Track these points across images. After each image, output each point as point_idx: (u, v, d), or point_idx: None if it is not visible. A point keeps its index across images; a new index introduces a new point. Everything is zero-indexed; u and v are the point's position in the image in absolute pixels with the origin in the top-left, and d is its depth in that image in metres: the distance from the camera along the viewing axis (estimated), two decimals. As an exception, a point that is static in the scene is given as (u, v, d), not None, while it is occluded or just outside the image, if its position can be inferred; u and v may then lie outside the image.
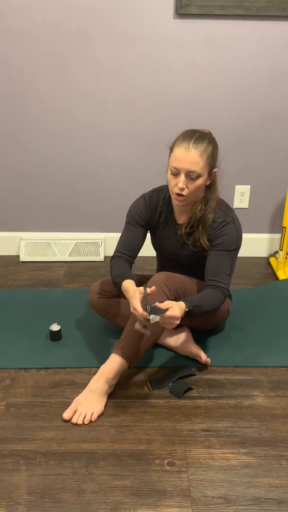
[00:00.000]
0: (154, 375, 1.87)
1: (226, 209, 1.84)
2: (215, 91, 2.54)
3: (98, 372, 1.72)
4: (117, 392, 1.76)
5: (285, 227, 2.61)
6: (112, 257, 1.92)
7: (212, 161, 1.74)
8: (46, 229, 2.86)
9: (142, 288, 1.65)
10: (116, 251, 1.92)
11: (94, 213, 2.82)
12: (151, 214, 1.92)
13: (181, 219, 1.88)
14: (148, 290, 1.62)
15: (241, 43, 2.45)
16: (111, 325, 2.10)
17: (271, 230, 2.87)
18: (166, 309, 1.58)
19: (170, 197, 1.87)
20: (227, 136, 2.56)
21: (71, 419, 1.64)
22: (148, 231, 1.99)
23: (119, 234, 1.97)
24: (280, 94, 2.55)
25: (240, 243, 1.85)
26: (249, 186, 2.76)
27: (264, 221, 2.85)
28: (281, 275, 2.64)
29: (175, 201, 1.79)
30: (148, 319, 1.59)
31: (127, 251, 1.90)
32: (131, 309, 1.64)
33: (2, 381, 1.83)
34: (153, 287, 1.65)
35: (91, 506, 1.36)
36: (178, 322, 1.60)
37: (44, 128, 2.62)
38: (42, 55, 2.47)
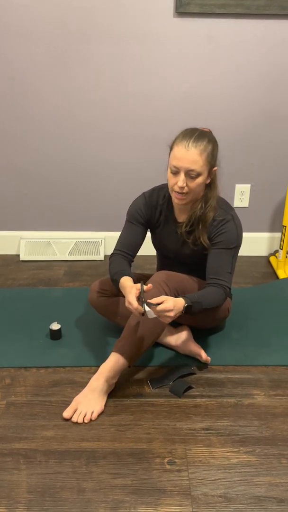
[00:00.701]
0: (154, 374, 1.87)
1: (226, 207, 1.84)
2: (215, 90, 2.54)
3: (98, 371, 1.72)
4: (117, 391, 1.76)
5: (285, 226, 2.61)
6: (112, 255, 1.92)
7: (212, 159, 1.74)
8: (46, 228, 2.86)
9: (138, 284, 1.65)
10: (115, 249, 1.92)
11: (94, 212, 2.82)
12: (151, 212, 1.92)
13: (181, 217, 1.88)
14: (145, 287, 1.63)
15: (241, 42, 2.44)
16: (111, 324, 2.10)
17: (271, 229, 2.87)
18: (161, 303, 1.59)
19: (170, 196, 1.87)
20: (227, 135, 2.56)
21: (71, 418, 1.64)
22: (149, 229, 1.99)
23: (119, 233, 1.97)
24: (280, 93, 2.55)
25: (241, 241, 1.85)
26: (249, 185, 2.76)
27: (264, 220, 2.85)
28: (281, 274, 2.64)
29: (175, 200, 1.79)
30: (143, 314, 1.60)
31: (126, 249, 1.90)
32: (126, 304, 1.65)
33: (2, 380, 1.83)
34: (150, 285, 1.65)
35: (91, 504, 1.36)
36: (172, 314, 1.58)
37: (44, 128, 2.62)
38: (42, 54, 2.47)
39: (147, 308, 1.59)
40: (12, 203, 2.79)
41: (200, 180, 1.73)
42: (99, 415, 1.66)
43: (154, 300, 1.60)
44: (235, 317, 2.20)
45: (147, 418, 1.65)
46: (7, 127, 2.62)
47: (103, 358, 1.77)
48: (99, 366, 1.74)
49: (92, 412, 1.65)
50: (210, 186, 1.80)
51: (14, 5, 2.37)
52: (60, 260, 2.81)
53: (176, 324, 1.99)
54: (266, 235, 2.87)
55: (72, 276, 2.63)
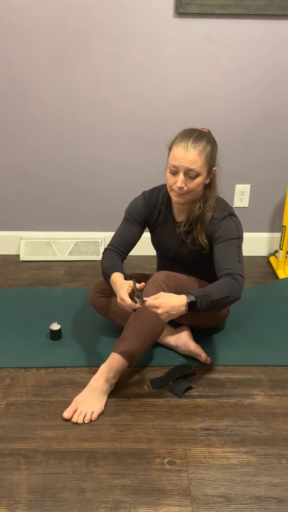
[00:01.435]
0: (154, 374, 1.87)
1: (224, 206, 1.84)
2: (215, 90, 2.54)
3: (98, 371, 1.72)
4: (117, 391, 1.76)
5: (285, 226, 2.61)
6: (105, 250, 1.93)
7: (211, 160, 1.74)
8: (46, 228, 2.86)
9: (131, 281, 1.65)
10: (109, 244, 1.93)
11: (94, 212, 2.82)
12: (150, 212, 1.92)
13: (180, 217, 1.88)
14: (138, 285, 1.64)
15: (241, 42, 2.44)
16: (111, 324, 2.10)
17: (271, 229, 2.87)
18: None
19: (169, 196, 1.87)
20: (227, 135, 2.56)
21: (71, 418, 1.64)
22: (147, 229, 1.99)
23: (119, 233, 1.97)
24: (280, 93, 2.55)
25: (242, 233, 1.81)
26: (249, 185, 2.76)
27: (264, 220, 2.85)
28: (281, 274, 2.64)
29: (174, 199, 1.79)
30: (135, 310, 1.62)
31: (120, 246, 1.91)
32: (118, 300, 1.65)
33: (2, 380, 1.83)
34: (142, 283, 1.65)
35: (91, 504, 1.36)
36: (160, 311, 1.56)
37: (44, 127, 2.62)
38: (42, 54, 2.47)
39: (138, 301, 1.60)
40: (12, 203, 2.80)
41: (199, 180, 1.73)
42: (99, 415, 1.66)
43: (150, 298, 1.60)
44: (235, 317, 2.20)
45: (147, 418, 1.66)
46: (7, 127, 2.62)
47: (103, 358, 1.78)
48: (99, 366, 1.74)
49: (92, 412, 1.65)
50: (209, 186, 1.80)
51: (15, 5, 2.37)
52: (60, 260, 2.81)
53: (176, 324, 2.00)
54: (266, 235, 2.88)
55: (72, 276, 2.63)
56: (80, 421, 1.63)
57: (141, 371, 1.88)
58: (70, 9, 2.38)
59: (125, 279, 1.73)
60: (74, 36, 2.44)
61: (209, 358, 1.90)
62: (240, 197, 2.77)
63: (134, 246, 1.95)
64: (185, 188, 1.72)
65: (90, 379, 1.72)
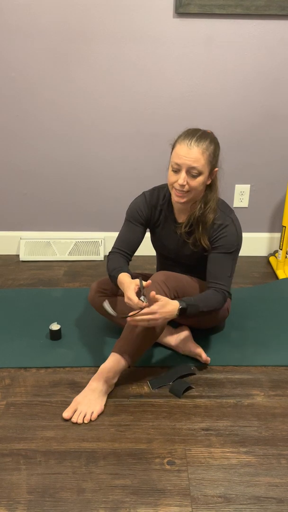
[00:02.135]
0: (154, 374, 1.87)
1: (225, 209, 1.84)
2: (214, 90, 2.54)
3: (98, 371, 1.72)
4: (117, 391, 1.76)
5: (285, 226, 2.62)
6: (110, 253, 1.93)
7: (213, 160, 1.74)
8: (46, 228, 2.86)
9: (137, 280, 1.66)
10: (114, 247, 1.93)
11: (94, 212, 2.82)
12: (151, 212, 1.92)
13: (181, 218, 1.88)
14: (144, 283, 1.64)
15: (241, 42, 2.45)
16: (111, 324, 2.10)
17: (271, 229, 2.87)
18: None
19: (170, 196, 1.87)
20: (227, 135, 2.56)
21: (71, 418, 1.64)
22: (148, 229, 1.99)
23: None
24: (280, 93, 2.55)
25: (240, 244, 1.86)
26: (248, 185, 2.76)
27: (264, 220, 2.85)
28: (281, 274, 2.64)
29: (175, 198, 1.79)
30: (143, 309, 1.62)
31: (124, 248, 1.91)
32: (125, 299, 1.66)
33: (2, 380, 1.83)
34: (149, 281, 1.66)
35: (91, 505, 1.36)
36: (157, 316, 1.61)
37: (44, 127, 2.62)
38: (42, 54, 2.47)
39: (144, 299, 1.62)
40: (12, 203, 2.80)
41: (200, 179, 1.73)
42: (99, 416, 1.66)
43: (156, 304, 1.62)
44: (235, 317, 2.20)
45: (146, 419, 1.66)
46: (6, 126, 2.62)
47: (103, 358, 1.78)
48: (99, 367, 1.74)
49: (92, 412, 1.65)
50: (210, 187, 1.80)
51: (15, 4, 2.37)
52: (60, 260, 2.81)
53: (176, 324, 2.00)
54: (265, 235, 2.88)
55: (72, 276, 2.63)
56: (79, 421, 1.63)
57: (141, 371, 1.88)
58: (70, 8, 2.38)
59: (132, 278, 1.75)
60: (74, 35, 2.44)
61: (208, 358, 1.90)
62: (240, 197, 2.77)
63: (138, 247, 1.95)
64: (186, 187, 1.72)
65: (89, 379, 1.73)
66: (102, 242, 2.83)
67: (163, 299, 1.64)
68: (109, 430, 1.61)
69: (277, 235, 2.86)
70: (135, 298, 1.62)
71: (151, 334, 1.75)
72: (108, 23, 2.41)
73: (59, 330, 2.05)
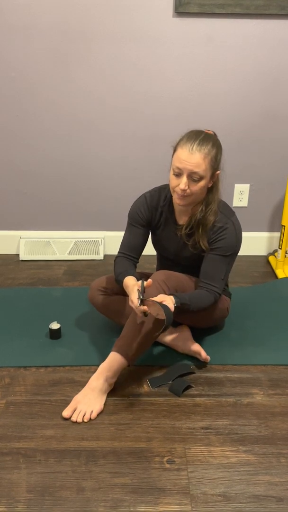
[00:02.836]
0: (153, 373, 1.87)
1: (227, 212, 1.84)
2: (214, 89, 2.54)
3: (98, 370, 1.72)
4: (117, 390, 1.77)
5: (284, 226, 2.62)
6: (116, 257, 1.94)
7: (215, 163, 1.73)
8: (46, 227, 2.86)
9: (139, 282, 1.67)
10: (119, 251, 1.94)
11: (94, 211, 2.82)
12: (152, 213, 1.92)
13: (182, 219, 1.87)
14: (145, 283, 1.65)
15: (241, 42, 2.45)
16: (110, 323, 2.10)
17: (270, 229, 2.88)
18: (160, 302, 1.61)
19: (171, 197, 1.87)
20: (226, 135, 2.56)
21: (70, 417, 1.65)
22: (149, 230, 1.99)
23: (118, 233, 1.97)
24: (279, 93, 2.56)
25: (239, 248, 1.86)
26: (248, 185, 2.76)
27: (263, 220, 2.85)
28: (280, 274, 2.64)
29: (176, 201, 1.78)
30: (145, 314, 1.62)
31: (130, 252, 1.91)
32: (129, 302, 1.67)
33: (2, 379, 1.83)
34: (149, 280, 1.67)
35: (91, 503, 1.36)
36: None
37: (44, 127, 2.62)
38: (42, 54, 2.47)
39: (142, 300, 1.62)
40: (12, 203, 2.80)
41: (202, 183, 1.72)
42: (98, 414, 1.66)
43: (154, 299, 1.62)
44: (234, 317, 2.20)
45: (146, 417, 1.66)
46: (6, 126, 2.62)
47: (102, 357, 1.78)
48: (98, 365, 1.74)
49: (92, 411, 1.65)
50: (211, 189, 1.79)
51: (15, 4, 2.37)
52: (60, 259, 2.81)
53: (176, 323, 2.00)
54: (265, 234, 2.88)
55: (72, 276, 2.63)
56: (79, 420, 1.63)
57: (141, 370, 1.88)
58: (70, 8, 2.38)
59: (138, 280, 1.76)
60: (74, 35, 2.44)
61: (208, 357, 1.90)
62: (240, 196, 2.78)
63: (143, 249, 1.95)
64: (188, 191, 1.71)
65: (89, 378, 1.73)
66: (102, 241, 2.83)
67: (165, 297, 1.65)
68: (109, 429, 1.61)
69: (277, 234, 2.86)
70: (137, 303, 1.62)
71: (150, 333, 1.75)
72: (107, 23, 2.41)
73: (59, 329, 2.05)
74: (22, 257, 2.80)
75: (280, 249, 2.66)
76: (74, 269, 2.71)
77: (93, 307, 2.10)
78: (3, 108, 2.58)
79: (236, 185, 2.75)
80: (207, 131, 1.76)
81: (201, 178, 1.70)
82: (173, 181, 1.74)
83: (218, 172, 1.77)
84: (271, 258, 2.81)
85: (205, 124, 2.40)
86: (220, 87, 2.54)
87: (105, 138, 2.65)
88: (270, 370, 1.89)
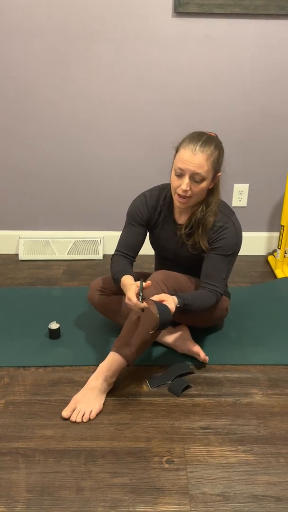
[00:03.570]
0: (153, 373, 1.87)
1: (227, 212, 1.84)
2: (213, 89, 2.54)
3: (97, 370, 1.72)
4: (116, 390, 1.77)
5: (284, 226, 2.62)
6: (113, 255, 1.93)
7: (217, 165, 1.73)
8: (45, 227, 2.86)
9: (138, 282, 1.67)
10: (116, 250, 1.93)
11: (93, 211, 2.82)
12: (151, 213, 1.92)
13: (181, 219, 1.87)
14: (144, 284, 1.65)
15: (240, 41, 2.45)
16: (110, 323, 2.10)
17: (270, 229, 2.88)
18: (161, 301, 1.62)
19: (171, 197, 1.87)
20: (226, 135, 2.54)
21: (70, 417, 1.65)
22: (148, 229, 1.99)
23: (118, 233, 1.97)
24: (278, 93, 2.56)
25: (239, 247, 1.86)
26: (247, 185, 2.76)
27: (262, 220, 2.85)
28: (280, 274, 2.64)
29: (176, 202, 1.78)
30: (143, 310, 1.62)
31: (127, 250, 1.91)
32: (126, 300, 1.66)
33: (1, 379, 1.83)
34: (149, 282, 1.67)
35: (90, 503, 1.36)
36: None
37: (43, 126, 2.62)
38: (41, 53, 2.47)
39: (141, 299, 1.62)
40: (11, 202, 2.80)
41: (204, 184, 1.72)
42: (97, 414, 1.66)
43: (154, 298, 1.63)
44: (234, 317, 2.20)
45: (145, 417, 1.66)
46: (6, 126, 2.62)
47: (102, 357, 1.78)
48: (98, 365, 1.74)
49: (91, 411, 1.65)
50: (212, 190, 1.79)
51: (15, 4, 2.37)
52: (59, 259, 2.81)
53: (175, 323, 2.00)
54: (264, 234, 2.88)
55: (71, 276, 2.63)
56: (78, 420, 1.64)
57: (140, 370, 1.88)
58: (69, 7, 2.38)
59: (135, 280, 1.75)
60: (73, 34, 2.44)
61: (207, 358, 1.90)
62: (239, 196, 2.78)
63: (140, 248, 1.95)
64: (189, 192, 1.71)
65: (88, 378, 1.73)
66: (101, 241, 2.83)
67: (167, 297, 1.66)
68: (108, 429, 1.61)
69: (276, 234, 2.87)
70: (134, 299, 1.62)
71: (150, 333, 1.75)
72: (107, 22, 2.41)
73: (58, 329, 2.05)
74: (22, 257, 2.80)
75: (279, 249, 2.66)
76: (74, 269, 2.71)
77: (92, 307, 2.10)
78: (3, 108, 2.58)
79: (235, 185, 2.75)
80: (209, 133, 1.76)
81: (203, 179, 1.70)
82: (174, 182, 1.74)
83: (219, 174, 1.77)
84: (270, 258, 2.82)
85: (204, 124, 2.40)
86: (219, 87, 2.54)
87: (105, 138, 2.65)
88: (269, 370, 1.90)
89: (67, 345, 2.02)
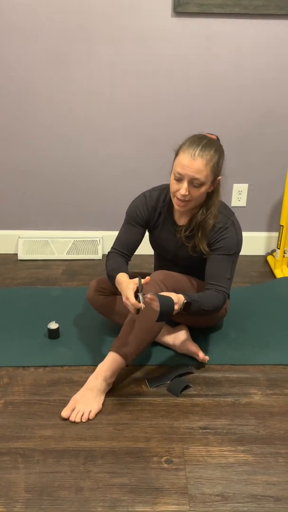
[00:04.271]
0: (152, 373, 1.87)
1: (226, 212, 1.84)
2: (212, 89, 2.54)
3: (96, 370, 1.72)
4: (115, 390, 1.77)
5: (283, 225, 2.62)
6: (109, 253, 1.93)
7: (216, 170, 1.71)
8: (44, 227, 2.86)
9: (136, 279, 1.66)
10: (113, 247, 1.93)
11: (92, 211, 2.82)
12: (150, 213, 1.91)
13: (181, 221, 1.86)
14: (143, 280, 1.64)
15: (239, 41, 2.45)
16: (109, 323, 2.10)
17: (269, 229, 2.88)
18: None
19: (171, 198, 1.86)
20: (225, 135, 2.54)
21: (69, 417, 1.65)
22: (147, 229, 1.98)
23: (117, 233, 1.97)
24: (277, 93, 2.56)
25: (240, 247, 1.85)
26: (246, 185, 2.76)
27: (261, 220, 2.85)
28: (279, 274, 2.64)
29: (175, 205, 1.77)
30: (139, 310, 1.61)
31: (123, 249, 1.91)
32: (123, 299, 1.65)
33: (0, 379, 1.83)
34: (147, 278, 1.66)
35: (89, 503, 1.36)
36: (176, 307, 1.60)
37: (43, 126, 2.62)
38: (41, 53, 2.47)
39: (142, 298, 1.60)
40: (10, 202, 2.79)
41: (203, 189, 1.71)
42: (96, 414, 1.66)
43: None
44: (233, 317, 2.20)
45: (144, 417, 1.66)
46: (5, 125, 2.62)
47: (101, 357, 1.78)
48: (97, 365, 1.74)
49: (90, 411, 1.65)
50: (212, 194, 1.78)
51: (15, 4, 2.37)
52: (58, 259, 2.81)
53: (174, 323, 2.00)
54: (263, 234, 2.88)
55: (70, 275, 2.63)
56: (77, 420, 1.63)
57: (139, 370, 1.88)
58: (69, 7, 2.38)
59: (130, 278, 1.74)
60: (73, 34, 2.43)
61: (206, 358, 1.90)
62: (238, 196, 2.78)
63: (137, 248, 1.94)
64: (188, 197, 1.70)
65: (88, 378, 1.73)
66: (101, 241, 2.83)
67: (171, 294, 1.64)
68: (107, 429, 1.61)
69: (275, 234, 2.87)
70: (132, 298, 1.61)
71: (149, 333, 1.75)
72: (106, 22, 2.41)
73: (58, 329, 2.05)
74: (21, 256, 2.80)
75: (279, 249, 2.66)
76: (73, 268, 2.71)
77: (91, 307, 2.10)
78: (3, 108, 2.57)
79: (234, 185, 2.75)
80: (209, 136, 1.75)
81: (202, 184, 1.69)
82: (173, 186, 1.73)
83: (219, 177, 1.76)
84: (269, 258, 2.82)
85: (203, 123, 2.40)
86: (219, 87, 2.54)
87: (104, 137, 2.65)
88: (268, 370, 1.90)
89: (66, 345, 2.02)
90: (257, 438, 1.58)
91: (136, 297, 1.62)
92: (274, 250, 2.88)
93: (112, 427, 1.62)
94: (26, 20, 2.40)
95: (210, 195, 1.79)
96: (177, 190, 1.71)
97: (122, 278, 1.73)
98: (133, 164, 2.70)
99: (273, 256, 2.80)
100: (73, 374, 1.86)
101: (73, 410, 1.66)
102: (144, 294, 1.62)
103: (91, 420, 1.64)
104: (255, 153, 2.68)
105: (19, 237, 2.83)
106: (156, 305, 1.60)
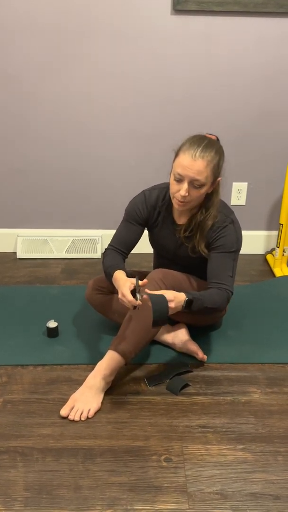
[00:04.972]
0: (151, 371, 1.87)
1: (226, 211, 1.83)
2: (212, 87, 2.54)
3: (95, 368, 1.72)
4: (114, 388, 1.76)
5: (282, 224, 2.62)
6: (106, 250, 1.92)
7: (217, 171, 1.71)
8: (43, 226, 2.86)
9: (133, 279, 1.65)
10: (110, 244, 1.92)
11: (92, 210, 2.82)
12: (150, 212, 1.91)
13: (181, 220, 1.86)
14: (140, 282, 1.63)
15: (239, 39, 2.45)
16: (108, 321, 2.10)
17: (268, 227, 2.88)
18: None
19: (170, 197, 1.86)
20: (224, 133, 2.54)
21: (68, 415, 1.64)
22: (146, 228, 1.98)
23: (116, 231, 1.96)
24: (277, 91, 2.56)
25: (240, 245, 1.84)
26: (246, 183, 2.76)
27: (261, 218, 2.85)
28: (278, 272, 2.64)
29: (175, 205, 1.77)
30: (135, 307, 1.61)
31: (120, 246, 1.90)
32: (120, 296, 1.65)
33: (-1, 377, 1.83)
34: (145, 280, 1.65)
35: (88, 502, 1.36)
36: (173, 305, 1.58)
37: (42, 125, 2.62)
38: (39, 52, 2.46)
39: (139, 297, 1.59)
40: (9, 201, 2.79)
41: (203, 190, 1.70)
42: (96, 413, 1.66)
43: (161, 292, 1.59)
44: (232, 315, 2.20)
45: (143, 416, 1.66)
46: (4, 125, 2.61)
47: (100, 355, 1.78)
48: (96, 364, 1.74)
49: (89, 409, 1.65)
50: (211, 194, 1.78)
51: (15, 4, 2.36)
52: (57, 257, 2.81)
53: (173, 322, 2.00)
54: (263, 233, 2.88)
55: (69, 274, 2.63)
56: (76, 418, 1.63)
57: (138, 368, 1.88)
58: (68, 6, 2.38)
59: (127, 276, 1.74)
60: (72, 33, 2.43)
61: (205, 356, 1.90)
62: (237, 195, 2.78)
63: (134, 246, 1.94)
64: (188, 197, 1.70)
65: (87, 376, 1.72)
66: (100, 239, 2.83)
67: (169, 291, 1.62)
68: (106, 428, 1.61)
69: (274, 233, 2.87)
70: (129, 296, 1.61)
71: (148, 331, 1.75)
72: (106, 20, 2.41)
73: (56, 327, 2.05)
74: (20, 255, 2.80)
75: (278, 247, 2.66)
76: (72, 267, 2.71)
77: (90, 305, 2.09)
78: (3, 108, 2.57)
79: (234, 183, 2.75)
80: (209, 136, 1.74)
81: (202, 185, 1.68)
82: (173, 187, 1.72)
83: (219, 178, 1.76)
84: (268, 257, 2.82)
85: (203, 123, 2.40)
86: (218, 85, 2.54)
87: (104, 136, 2.65)
88: (267, 369, 1.90)
89: (65, 343, 2.02)
90: (256, 437, 1.58)
91: (134, 296, 1.62)
92: (273, 249, 2.88)
93: (111, 425, 1.62)
94: (26, 20, 2.39)
95: (210, 195, 1.78)
96: (177, 191, 1.70)
97: (119, 276, 1.73)
98: (132, 163, 2.70)
99: (273, 255, 2.80)
100: (72, 372, 1.86)
101: (72, 408, 1.66)
102: (141, 294, 1.62)
103: (90, 418, 1.64)
104: (254, 152, 2.68)
105: (18, 236, 2.83)
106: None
